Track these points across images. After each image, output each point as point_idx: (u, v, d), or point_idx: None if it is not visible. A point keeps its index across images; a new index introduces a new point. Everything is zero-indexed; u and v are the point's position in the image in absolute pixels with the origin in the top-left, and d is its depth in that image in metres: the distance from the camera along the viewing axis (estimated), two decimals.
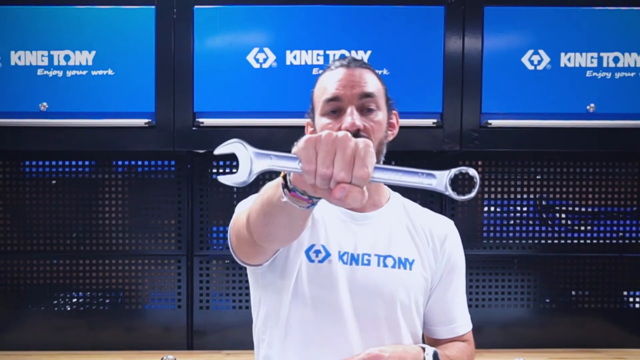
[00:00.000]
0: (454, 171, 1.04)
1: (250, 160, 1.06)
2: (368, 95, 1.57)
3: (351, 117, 1.53)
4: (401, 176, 1.05)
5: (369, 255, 1.62)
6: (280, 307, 1.60)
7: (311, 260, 1.59)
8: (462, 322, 1.72)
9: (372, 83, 1.60)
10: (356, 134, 1.52)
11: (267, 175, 2.30)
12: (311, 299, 1.57)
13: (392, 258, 1.63)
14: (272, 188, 1.20)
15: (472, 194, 1.07)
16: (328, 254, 1.60)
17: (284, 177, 1.09)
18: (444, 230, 1.71)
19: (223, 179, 1.06)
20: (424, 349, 1.54)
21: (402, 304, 1.61)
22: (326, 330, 1.56)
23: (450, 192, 1.04)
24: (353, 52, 2.56)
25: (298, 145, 1.00)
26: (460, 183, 1.04)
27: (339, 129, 1.50)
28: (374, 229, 1.65)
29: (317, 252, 1.60)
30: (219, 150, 1.08)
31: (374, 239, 1.64)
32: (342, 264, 1.59)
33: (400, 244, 1.65)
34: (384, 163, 1.58)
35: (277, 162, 1.05)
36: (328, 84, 1.60)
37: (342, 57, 1.80)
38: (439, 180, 1.04)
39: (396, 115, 1.71)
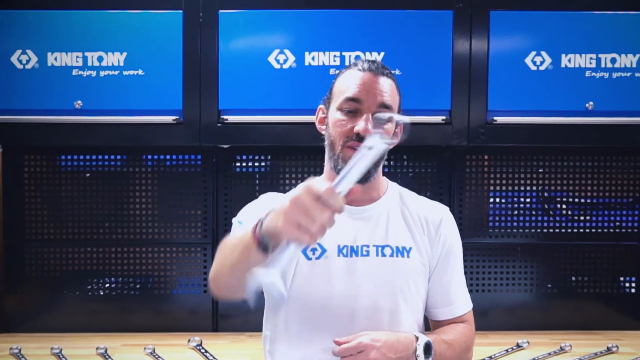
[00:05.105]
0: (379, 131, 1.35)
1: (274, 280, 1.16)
2: (386, 106, 1.60)
3: (365, 122, 1.56)
4: (357, 167, 1.28)
5: (368, 246, 1.66)
6: (278, 305, 1.66)
7: (308, 258, 1.64)
8: (460, 303, 1.75)
9: (392, 95, 1.63)
10: (364, 138, 1.58)
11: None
12: (308, 295, 1.61)
13: (390, 247, 1.67)
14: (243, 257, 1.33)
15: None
16: (324, 250, 1.64)
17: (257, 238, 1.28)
18: (439, 216, 1.75)
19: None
20: (417, 338, 1.57)
21: (402, 291, 1.65)
22: (323, 324, 1.60)
23: (385, 144, 1.33)
24: (367, 54, 2.65)
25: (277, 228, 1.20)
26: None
27: (351, 129, 1.57)
28: (372, 221, 1.69)
29: (314, 250, 1.64)
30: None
31: (372, 230, 1.68)
32: (343, 257, 1.63)
33: (397, 233, 1.69)
34: (388, 159, 1.72)
35: (281, 259, 1.18)
36: (353, 83, 1.61)
37: (361, 61, 1.74)
38: (377, 146, 1.31)
39: (401, 126, 1.70)
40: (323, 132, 1.71)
